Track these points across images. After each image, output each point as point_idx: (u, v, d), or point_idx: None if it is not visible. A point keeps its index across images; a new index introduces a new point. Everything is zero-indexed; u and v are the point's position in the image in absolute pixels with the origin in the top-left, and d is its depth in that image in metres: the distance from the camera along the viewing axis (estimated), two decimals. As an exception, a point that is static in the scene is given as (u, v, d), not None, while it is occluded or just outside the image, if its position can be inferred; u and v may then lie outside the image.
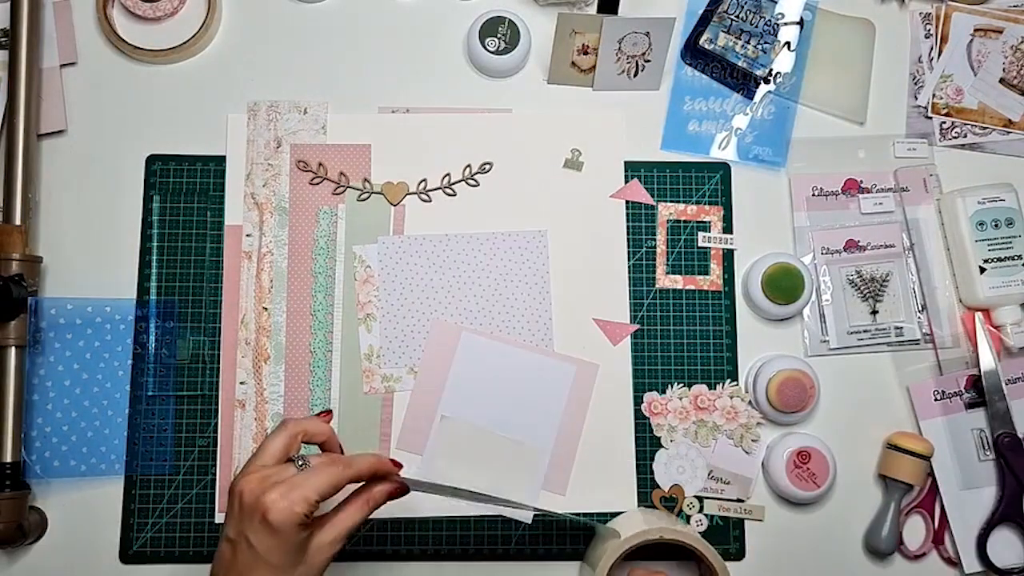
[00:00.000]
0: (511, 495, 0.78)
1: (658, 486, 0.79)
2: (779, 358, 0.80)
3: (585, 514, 0.79)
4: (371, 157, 0.83)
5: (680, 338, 0.82)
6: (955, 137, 0.86)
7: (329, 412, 0.70)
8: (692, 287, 0.82)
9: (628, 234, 0.83)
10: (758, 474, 0.80)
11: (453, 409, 0.79)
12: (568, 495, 0.79)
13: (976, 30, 0.87)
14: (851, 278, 0.83)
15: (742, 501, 0.79)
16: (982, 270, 0.81)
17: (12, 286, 0.74)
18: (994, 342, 0.81)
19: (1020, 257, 0.81)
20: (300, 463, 0.60)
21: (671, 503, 0.79)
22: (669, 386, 0.81)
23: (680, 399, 0.80)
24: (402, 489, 0.64)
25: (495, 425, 0.79)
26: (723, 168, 0.85)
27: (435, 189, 0.83)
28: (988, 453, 0.80)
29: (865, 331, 0.82)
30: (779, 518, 0.80)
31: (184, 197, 0.82)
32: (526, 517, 0.79)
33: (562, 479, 0.79)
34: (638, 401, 0.80)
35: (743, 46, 0.85)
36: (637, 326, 0.82)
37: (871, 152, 0.85)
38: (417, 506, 0.78)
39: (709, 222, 0.83)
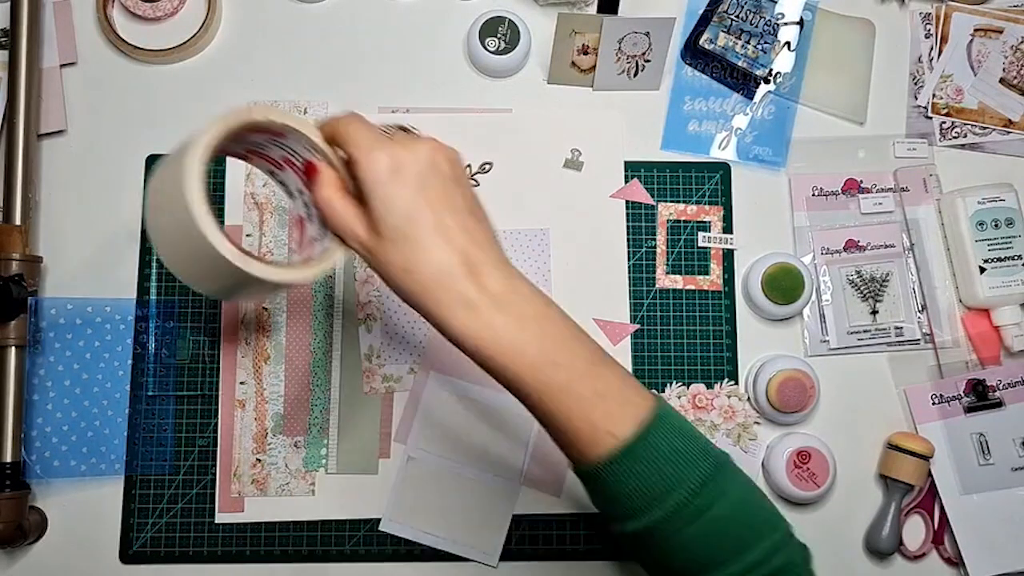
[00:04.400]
0: (476, 541, 0.78)
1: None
2: (779, 358, 0.80)
3: (584, 515, 0.79)
4: (371, 157, 0.83)
5: (680, 338, 0.82)
6: (955, 137, 0.86)
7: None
8: (692, 287, 0.82)
9: (628, 234, 0.83)
10: (758, 474, 0.80)
11: (453, 401, 0.79)
12: (563, 496, 0.79)
13: (976, 30, 0.87)
14: (851, 278, 0.83)
15: (742, 501, 0.79)
16: (982, 270, 0.81)
17: (12, 286, 0.74)
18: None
19: (1020, 257, 0.81)
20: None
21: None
22: (668, 385, 0.81)
23: (678, 398, 0.80)
24: None
25: (492, 421, 0.79)
26: (723, 168, 0.85)
27: (435, 189, 0.83)
28: (988, 458, 0.80)
29: (865, 331, 0.82)
30: (779, 518, 0.80)
31: (184, 197, 0.82)
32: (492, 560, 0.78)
33: (556, 481, 0.79)
34: (638, 401, 0.80)
35: (743, 46, 0.85)
36: (637, 326, 0.82)
37: (871, 152, 0.85)
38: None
39: (709, 222, 0.83)
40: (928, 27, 0.88)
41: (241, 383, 0.79)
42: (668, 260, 0.83)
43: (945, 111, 0.86)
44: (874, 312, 0.82)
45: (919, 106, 0.87)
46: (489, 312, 0.53)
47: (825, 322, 0.82)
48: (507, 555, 0.78)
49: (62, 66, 0.83)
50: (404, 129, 0.58)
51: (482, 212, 0.57)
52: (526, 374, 0.53)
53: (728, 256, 0.83)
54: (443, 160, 0.55)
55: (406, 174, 0.53)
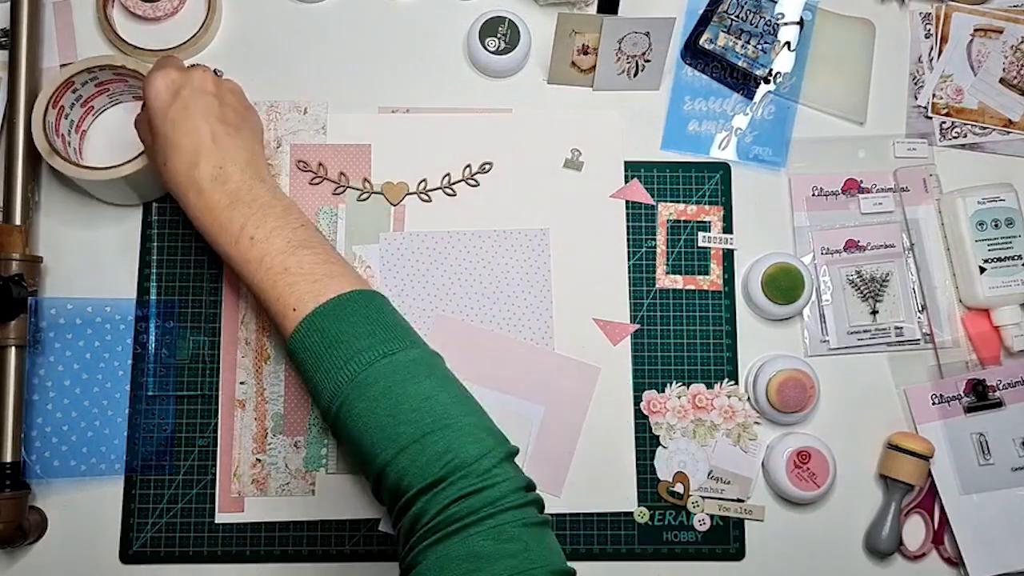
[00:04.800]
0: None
1: (660, 480, 0.79)
2: (779, 358, 0.80)
3: (584, 515, 0.79)
4: (371, 157, 0.83)
5: (680, 338, 0.82)
6: (955, 137, 0.86)
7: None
8: (692, 287, 0.82)
9: (628, 234, 0.83)
10: (758, 474, 0.80)
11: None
12: (563, 496, 0.79)
13: (976, 30, 0.87)
14: (851, 278, 0.83)
15: (742, 501, 0.79)
16: (982, 270, 0.81)
17: (12, 286, 0.74)
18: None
19: (1020, 257, 0.81)
20: None
21: (678, 496, 0.79)
22: (668, 385, 0.81)
23: (679, 398, 0.80)
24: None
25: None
26: (723, 168, 0.85)
27: (435, 189, 0.83)
28: (988, 458, 0.80)
29: (865, 331, 0.82)
30: (779, 518, 0.80)
31: (184, 197, 0.82)
32: None
33: (558, 480, 0.79)
34: (637, 401, 0.80)
35: (743, 46, 0.85)
36: (637, 326, 0.82)
37: (871, 152, 0.85)
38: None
39: (709, 222, 0.83)
40: (928, 27, 0.88)
41: (241, 383, 0.79)
42: (668, 260, 0.83)
43: (945, 111, 0.86)
44: (874, 312, 0.82)
45: (919, 106, 0.87)
46: (212, 196, 0.65)
47: (825, 322, 0.82)
48: (507, 555, 0.78)
49: (62, 66, 0.83)
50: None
51: (247, 128, 0.71)
52: (228, 247, 0.65)
53: (728, 256, 0.83)
54: (209, 82, 0.69)
55: (173, 91, 0.67)
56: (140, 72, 0.77)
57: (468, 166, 0.83)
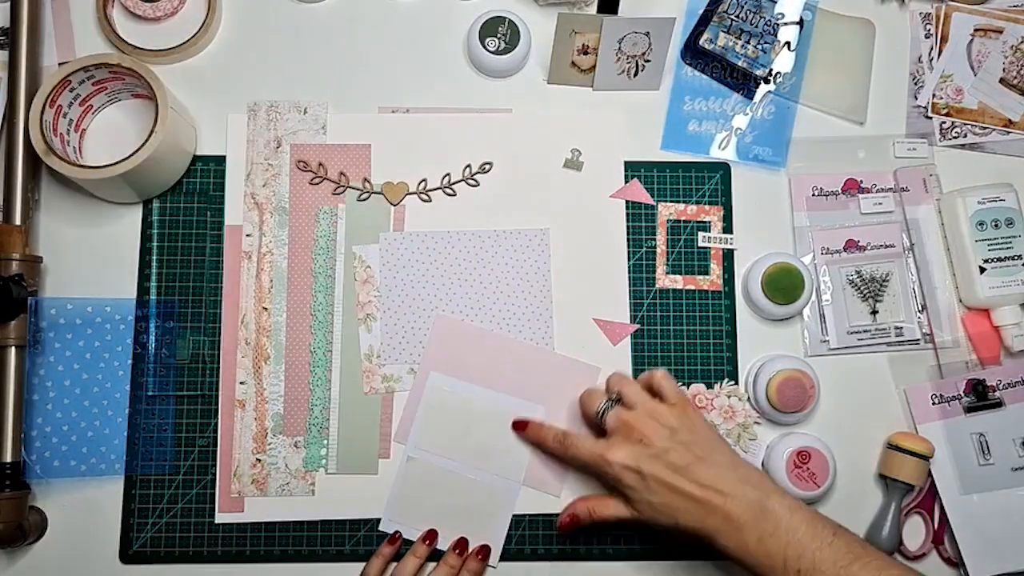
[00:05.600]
0: (476, 541, 0.78)
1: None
2: (779, 358, 0.80)
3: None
4: (371, 157, 0.83)
5: (680, 338, 0.82)
6: (955, 137, 0.86)
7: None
8: (692, 287, 0.82)
9: (628, 234, 0.83)
10: (758, 474, 0.80)
11: (453, 401, 0.79)
12: (563, 496, 0.79)
13: (976, 30, 0.87)
14: (851, 278, 0.83)
15: (742, 501, 0.79)
16: (982, 270, 0.81)
17: (12, 286, 0.74)
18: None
19: (1020, 257, 0.81)
20: None
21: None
22: (669, 386, 0.81)
23: (680, 399, 0.80)
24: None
25: (492, 421, 0.79)
26: (723, 168, 0.85)
27: (435, 189, 0.83)
28: (988, 458, 0.80)
29: (865, 331, 0.82)
30: (779, 518, 0.80)
31: (184, 197, 0.82)
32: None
33: (558, 480, 0.79)
34: (638, 401, 0.80)
35: (743, 46, 0.85)
36: (637, 326, 0.82)
37: (871, 152, 0.85)
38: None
39: (709, 222, 0.83)
40: (928, 27, 0.88)
41: (241, 383, 0.79)
42: (668, 260, 0.83)
43: (945, 111, 0.86)
44: (874, 312, 0.82)
45: (919, 106, 0.87)
46: (741, 539, 0.66)
47: (825, 322, 0.82)
48: (507, 555, 0.78)
49: (60, 65, 0.83)
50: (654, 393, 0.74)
51: (711, 445, 0.70)
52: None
53: (728, 256, 0.83)
54: (650, 434, 0.69)
55: (635, 473, 0.69)
56: (135, 70, 0.76)
57: (468, 166, 0.83)
